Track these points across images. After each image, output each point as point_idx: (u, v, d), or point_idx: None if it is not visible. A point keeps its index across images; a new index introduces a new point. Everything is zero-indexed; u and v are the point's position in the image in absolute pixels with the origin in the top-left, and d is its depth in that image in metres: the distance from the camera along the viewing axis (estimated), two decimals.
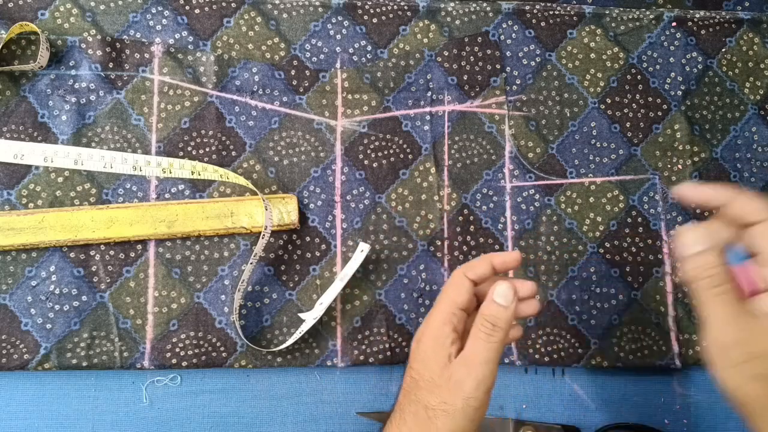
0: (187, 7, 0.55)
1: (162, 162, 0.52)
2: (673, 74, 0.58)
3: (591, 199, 0.56)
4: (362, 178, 0.55)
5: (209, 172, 0.52)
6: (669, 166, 0.57)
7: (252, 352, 0.51)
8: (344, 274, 0.51)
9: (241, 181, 0.52)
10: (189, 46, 0.55)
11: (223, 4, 0.55)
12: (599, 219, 0.56)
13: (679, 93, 0.58)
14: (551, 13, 0.57)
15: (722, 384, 0.33)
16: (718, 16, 0.59)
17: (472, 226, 0.55)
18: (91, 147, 0.53)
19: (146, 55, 0.54)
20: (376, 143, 0.55)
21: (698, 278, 0.34)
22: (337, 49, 0.56)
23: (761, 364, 0.32)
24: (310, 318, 0.51)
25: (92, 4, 0.54)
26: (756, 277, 0.34)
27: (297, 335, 0.51)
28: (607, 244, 0.55)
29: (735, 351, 0.33)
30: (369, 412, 0.53)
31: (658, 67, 0.58)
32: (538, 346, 0.54)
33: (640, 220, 0.56)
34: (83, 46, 0.53)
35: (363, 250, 0.52)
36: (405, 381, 0.41)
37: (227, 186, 0.53)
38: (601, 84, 0.57)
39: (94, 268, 0.52)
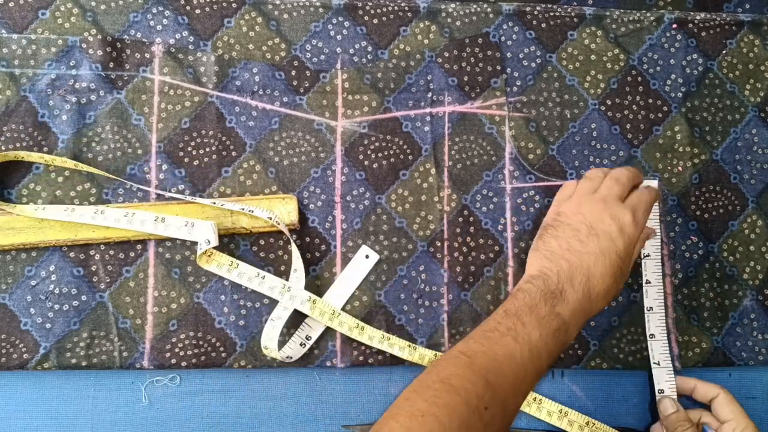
0: (188, 7, 0.55)
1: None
2: (673, 76, 0.58)
3: None
4: (362, 179, 0.55)
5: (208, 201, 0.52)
6: (669, 167, 0.57)
7: (251, 353, 0.51)
8: (351, 281, 0.52)
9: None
10: (189, 46, 0.55)
11: (224, 4, 0.55)
12: None
13: (680, 95, 0.58)
14: (552, 14, 0.57)
15: None
16: (718, 18, 0.59)
17: (472, 227, 0.55)
18: (92, 147, 0.53)
19: (147, 55, 0.54)
20: (377, 144, 0.55)
21: (674, 429, 0.51)
22: (338, 49, 0.56)
23: None
24: (312, 322, 0.51)
25: (93, 3, 0.54)
26: None
27: (296, 337, 0.51)
28: None
29: None
30: (354, 425, 0.52)
31: (658, 68, 0.58)
32: None
33: None
34: (84, 45, 0.53)
35: (369, 255, 0.52)
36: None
37: (227, 186, 0.53)
38: (602, 85, 0.57)
39: (93, 268, 0.52)
